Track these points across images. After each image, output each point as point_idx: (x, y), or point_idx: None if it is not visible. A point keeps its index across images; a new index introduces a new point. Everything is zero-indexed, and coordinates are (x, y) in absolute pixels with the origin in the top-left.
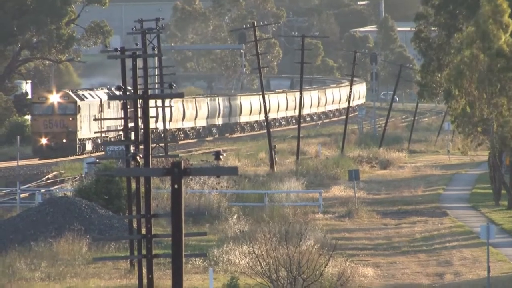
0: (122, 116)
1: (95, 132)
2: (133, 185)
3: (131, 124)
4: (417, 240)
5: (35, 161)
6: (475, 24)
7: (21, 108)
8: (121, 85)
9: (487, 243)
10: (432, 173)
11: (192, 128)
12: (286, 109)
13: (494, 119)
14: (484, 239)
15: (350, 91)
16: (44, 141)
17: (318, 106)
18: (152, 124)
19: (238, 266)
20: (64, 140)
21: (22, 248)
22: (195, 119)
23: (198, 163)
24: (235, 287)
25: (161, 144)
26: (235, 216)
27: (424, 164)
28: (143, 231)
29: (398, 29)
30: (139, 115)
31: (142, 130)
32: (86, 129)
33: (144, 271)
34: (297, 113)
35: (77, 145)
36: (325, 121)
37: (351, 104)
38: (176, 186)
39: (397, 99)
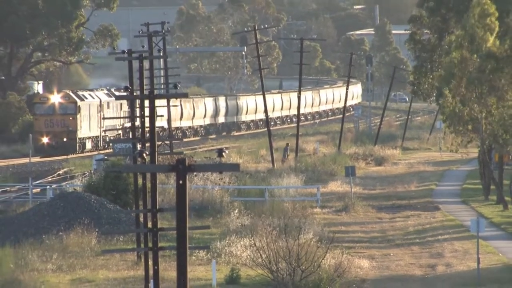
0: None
1: (103, 131)
2: (140, 181)
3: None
4: (410, 233)
5: (47, 158)
6: (463, 27)
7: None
8: (128, 85)
9: (477, 236)
10: (425, 170)
11: (189, 127)
12: (281, 109)
13: (483, 118)
14: (474, 232)
15: (347, 92)
16: (45, 140)
17: (312, 106)
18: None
19: (240, 258)
20: (65, 139)
21: (34, 240)
22: (192, 118)
23: (201, 160)
24: (237, 278)
25: (166, 142)
26: (236, 211)
27: (417, 161)
28: (149, 224)
29: (393, 32)
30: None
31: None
32: (86, 128)
33: (150, 263)
34: (291, 112)
35: (77, 144)
36: (322, 120)
37: (335, 106)
38: (180, 181)
39: (407, 99)
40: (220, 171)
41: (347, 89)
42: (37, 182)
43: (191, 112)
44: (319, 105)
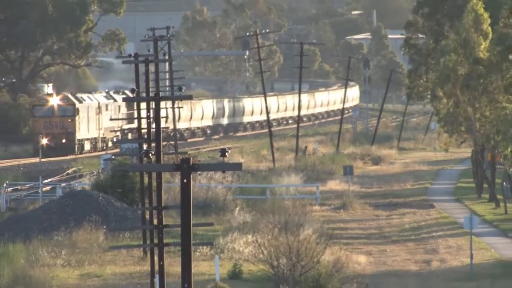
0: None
1: (111, 131)
2: (146, 180)
3: (139, 124)
4: (406, 230)
5: (56, 158)
6: (457, 33)
7: None
8: (134, 88)
9: (470, 232)
10: (420, 169)
11: (187, 128)
12: (277, 111)
13: (476, 119)
14: (468, 229)
15: (345, 94)
16: (44, 141)
17: (308, 108)
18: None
19: (242, 254)
20: (64, 141)
21: (44, 237)
22: (190, 120)
23: (205, 160)
24: (239, 273)
25: (171, 142)
26: (238, 208)
27: (413, 160)
28: (155, 222)
29: (389, 36)
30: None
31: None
32: (84, 130)
33: (156, 258)
34: (287, 114)
35: (76, 145)
36: (321, 121)
37: (333, 108)
38: (185, 180)
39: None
40: (223, 170)
41: (345, 91)
42: (47, 180)
43: (196, 113)
44: (314, 107)
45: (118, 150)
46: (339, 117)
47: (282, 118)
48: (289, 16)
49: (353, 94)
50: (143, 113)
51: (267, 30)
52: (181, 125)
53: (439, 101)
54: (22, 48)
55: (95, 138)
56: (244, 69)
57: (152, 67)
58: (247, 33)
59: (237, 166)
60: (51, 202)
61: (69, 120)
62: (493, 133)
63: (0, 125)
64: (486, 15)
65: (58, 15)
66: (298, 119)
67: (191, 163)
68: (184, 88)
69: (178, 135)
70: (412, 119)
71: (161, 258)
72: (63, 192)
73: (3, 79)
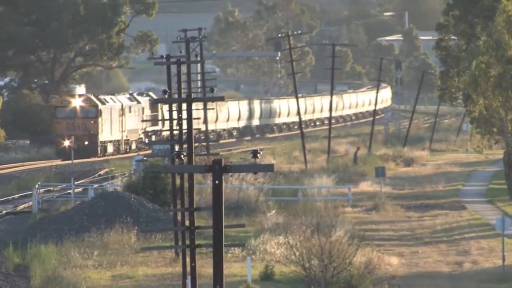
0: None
1: (142, 132)
2: (178, 181)
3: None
4: (438, 232)
5: (89, 159)
6: (488, 34)
7: None
8: (166, 89)
9: (502, 234)
10: (452, 170)
11: (212, 130)
12: (305, 113)
13: (508, 120)
14: (499, 230)
15: (377, 95)
16: (66, 143)
17: (336, 110)
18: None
19: (274, 255)
20: (86, 142)
21: (76, 238)
22: (215, 122)
23: (237, 161)
24: (271, 274)
25: (203, 144)
26: (273, 211)
27: (445, 162)
28: (187, 223)
29: (421, 37)
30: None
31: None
32: (107, 132)
33: (188, 260)
34: (315, 116)
35: (99, 147)
36: (354, 122)
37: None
38: (217, 181)
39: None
40: (255, 171)
41: (377, 92)
42: (79, 182)
43: (226, 115)
44: (342, 109)
45: (141, 152)
46: (370, 118)
47: (310, 120)
48: (321, 18)
49: (385, 95)
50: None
51: (299, 32)
52: (211, 127)
53: (471, 103)
54: (54, 50)
55: (118, 141)
56: (276, 70)
57: (184, 69)
58: (279, 35)
59: (269, 168)
60: (83, 203)
61: (92, 121)
62: None
63: (32, 127)
64: None
65: (90, 16)
66: (330, 120)
67: (223, 165)
68: (216, 89)
69: (210, 136)
70: (444, 121)
71: (193, 260)
72: (95, 193)
73: (35, 80)
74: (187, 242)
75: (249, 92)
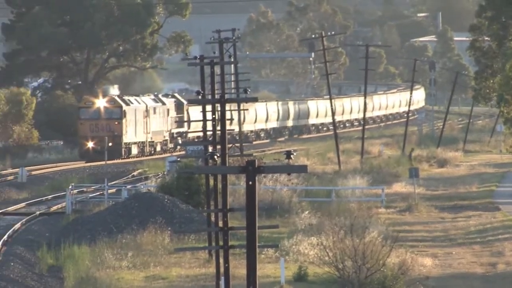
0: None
1: (176, 133)
2: (211, 182)
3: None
4: (471, 233)
5: (122, 160)
6: None
7: None
8: (200, 90)
9: None
10: (486, 171)
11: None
12: (345, 113)
13: None
14: None
15: (411, 96)
16: (90, 144)
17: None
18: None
19: (307, 256)
20: (110, 144)
21: (109, 239)
22: (254, 122)
23: (270, 162)
24: (304, 275)
25: (236, 144)
26: (307, 212)
27: (479, 163)
28: (220, 224)
29: (455, 38)
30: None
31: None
32: (131, 134)
33: (221, 260)
34: (344, 118)
35: (123, 149)
36: (387, 123)
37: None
38: (250, 182)
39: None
40: (288, 172)
41: (411, 93)
42: (113, 182)
43: (262, 115)
44: (372, 110)
45: (165, 155)
46: (401, 120)
47: (339, 121)
48: (355, 18)
49: (418, 96)
50: (192, 116)
51: (333, 32)
52: (245, 127)
53: (505, 104)
54: (88, 51)
55: (142, 142)
56: (310, 71)
57: (217, 69)
58: (313, 35)
59: (303, 169)
60: (116, 204)
61: (116, 123)
62: None
63: (65, 128)
64: None
65: (123, 17)
66: (364, 121)
67: (256, 165)
68: (249, 90)
69: (246, 137)
70: (478, 122)
71: (226, 261)
72: (128, 194)
73: (69, 81)
74: (221, 243)
75: (283, 93)
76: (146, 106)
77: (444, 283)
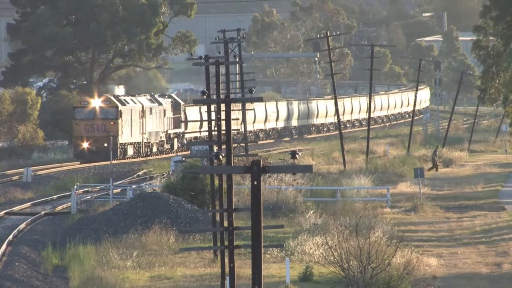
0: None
1: (173, 134)
2: (216, 182)
3: (209, 126)
4: (477, 233)
5: (127, 160)
6: None
7: None
8: (205, 89)
9: None
10: (491, 171)
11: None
12: (354, 114)
13: None
14: None
15: (415, 96)
16: (85, 145)
17: (366, 111)
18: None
19: (312, 256)
20: (106, 145)
21: (114, 239)
22: (253, 122)
23: (275, 162)
24: (310, 275)
25: (241, 144)
26: (312, 212)
27: (484, 162)
28: (226, 224)
29: (460, 38)
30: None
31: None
32: (127, 134)
33: (226, 260)
34: (345, 118)
35: (118, 150)
36: (392, 123)
37: (404, 110)
38: (255, 182)
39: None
40: (294, 172)
41: (416, 93)
42: (118, 182)
43: (265, 115)
44: (374, 110)
45: (161, 155)
46: (404, 120)
47: (347, 120)
48: (360, 18)
49: (423, 96)
50: (189, 116)
51: (337, 32)
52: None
53: (509, 104)
54: (93, 50)
55: (138, 143)
56: (315, 71)
57: (222, 69)
58: (317, 35)
59: (308, 168)
60: (121, 204)
61: (112, 123)
62: None
63: (70, 127)
64: None
65: (128, 17)
66: (369, 121)
67: (261, 165)
68: (254, 90)
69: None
70: (483, 121)
71: (231, 260)
72: (134, 194)
73: (74, 81)
74: (226, 242)
75: (289, 93)
76: (142, 106)
77: (450, 283)
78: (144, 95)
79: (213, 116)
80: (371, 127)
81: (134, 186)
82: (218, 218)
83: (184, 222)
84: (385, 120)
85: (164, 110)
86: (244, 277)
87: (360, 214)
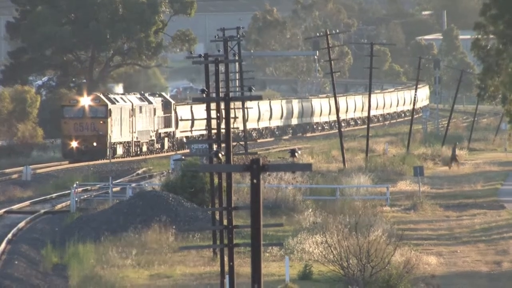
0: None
1: (163, 133)
2: (216, 180)
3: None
4: (476, 231)
5: (126, 158)
6: None
7: None
8: (204, 88)
9: None
10: (491, 170)
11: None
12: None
13: None
14: None
15: (415, 95)
16: (74, 144)
17: (362, 110)
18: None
19: (312, 254)
20: (95, 144)
21: (114, 237)
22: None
23: (275, 160)
24: (309, 274)
25: (241, 143)
26: (310, 210)
27: (483, 161)
28: (225, 222)
29: (460, 37)
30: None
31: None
32: (117, 133)
33: (226, 259)
34: (342, 117)
35: (108, 149)
36: (391, 121)
37: (403, 108)
38: (255, 181)
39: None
40: (293, 170)
41: (415, 92)
42: (117, 181)
43: (266, 113)
44: (376, 108)
45: (151, 155)
46: (401, 118)
47: (350, 118)
48: (360, 17)
49: (422, 95)
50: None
51: (337, 31)
52: (249, 126)
53: (509, 103)
54: (93, 49)
55: (128, 142)
56: (315, 69)
57: (222, 68)
58: (317, 34)
59: (307, 167)
60: (120, 202)
61: (101, 122)
62: None
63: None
64: None
65: (128, 15)
66: (368, 119)
67: (261, 164)
68: (254, 88)
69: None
70: (483, 120)
71: (231, 259)
72: (133, 193)
73: (74, 79)
74: (225, 241)
75: (288, 91)
76: (132, 104)
77: (449, 281)
78: (134, 94)
79: (206, 115)
80: (370, 125)
81: (133, 185)
82: (217, 217)
83: (184, 221)
84: (381, 119)
85: (154, 109)
86: (244, 275)
87: (360, 212)
